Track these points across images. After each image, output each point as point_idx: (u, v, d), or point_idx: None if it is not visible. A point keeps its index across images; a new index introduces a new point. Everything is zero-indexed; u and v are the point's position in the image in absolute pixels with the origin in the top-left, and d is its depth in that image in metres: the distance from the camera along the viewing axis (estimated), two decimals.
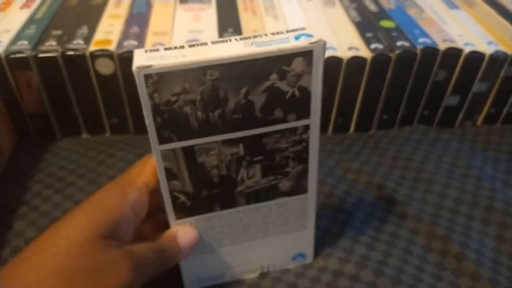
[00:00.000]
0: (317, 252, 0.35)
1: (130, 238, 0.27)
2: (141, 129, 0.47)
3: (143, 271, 0.26)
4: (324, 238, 0.36)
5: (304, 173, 0.29)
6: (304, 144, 0.28)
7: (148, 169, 0.28)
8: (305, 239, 0.33)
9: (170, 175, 0.27)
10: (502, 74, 0.47)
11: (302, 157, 0.28)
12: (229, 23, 0.48)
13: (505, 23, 0.50)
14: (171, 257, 0.29)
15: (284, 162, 0.28)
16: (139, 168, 0.28)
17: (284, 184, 0.29)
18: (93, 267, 0.24)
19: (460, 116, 0.49)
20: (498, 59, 0.45)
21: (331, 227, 0.37)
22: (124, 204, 0.27)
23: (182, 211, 0.29)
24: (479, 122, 0.51)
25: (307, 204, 0.31)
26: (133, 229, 0.27)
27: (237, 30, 0.46)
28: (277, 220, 0.31)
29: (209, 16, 0.49)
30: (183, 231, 0.29)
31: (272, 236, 0.32)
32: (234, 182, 0.28)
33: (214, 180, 0.28)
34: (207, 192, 0.28)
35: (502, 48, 0.46)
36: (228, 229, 0.30)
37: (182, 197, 0.28)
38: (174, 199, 0.28)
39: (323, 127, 0.49)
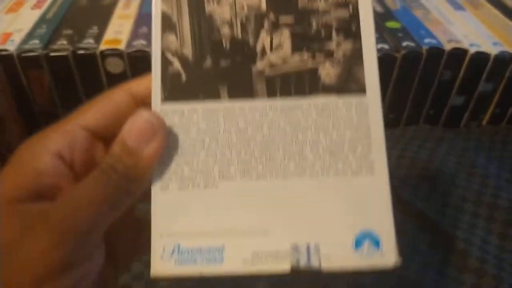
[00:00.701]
0: None
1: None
2: None
3: (81, 222, 0.18)
4: None
5: (357, 57, 0.20)
6: (351, 9, 0.20)
7: (95, 108, 0.22)
8: (376, 200, 0.20)
9: (166, 25, 0.20)
10: (507, 74, 0.47)
11: (351, 30, 0.20)
12: None
13: (510, 24, 0.51)
14: (127, 176, 0.19)
15: (325, 32, 0.20)
16: (85, 107, 0.22)
17: (328, 72, 0.20)
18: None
19: (466, 116, 0.50)
20: (503, 60, 0.46)
21: None
22: (44, 154, 0.20)
23: (174, 89, 0.20)
24: (484, 122, 0.51)
25: (369, 117, 0.20)
26: (66, 181, 0.20)
27: None
28: (320, 138, 0.20)
29: None
30: (133, 122, 0.20)
31: (312, 174, 0.20)
32: (252, 52, 0.20)
33: (224, 43, 0.20)
34: (213, 63, 0.20)
35: (507, 48, 0.46)
36: (238, 142, 0.20)
37: (177, 64, 0.21)
38: (165, 64, 0.21)
39: None
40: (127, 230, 0.23)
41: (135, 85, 0.23)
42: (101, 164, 0.19)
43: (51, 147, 0.20)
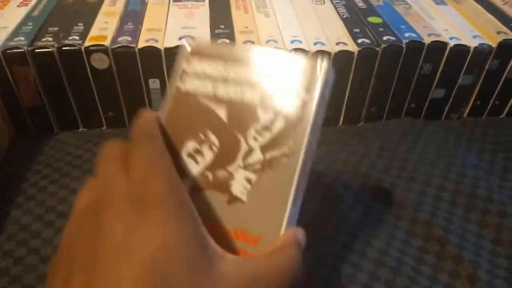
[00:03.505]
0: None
1: None
2: None
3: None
4: (313, 220, 0.37)
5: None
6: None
7: None
8: None
9: None
10: (487, 67, 0.48)
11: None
12: (221, 20, 0.49)
13: (491, 17, 0.52)
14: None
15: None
16: None
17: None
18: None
19: (446, 108, 0.51)
20: (483, 52, 0.47)
21: (318, 212, 0.38)
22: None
23: None
24: (465, 114, 0.52)
25: None
26: None
27: (229, 27, 0.47)
28: None
29: (202, 13, 0.50)
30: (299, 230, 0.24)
31: None
32: None
33: None
34: None
35: (487, 41, 0.47)
36: None
37: None
38: None
39: None
40: None
41: None
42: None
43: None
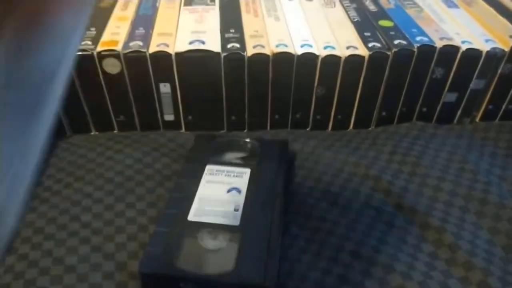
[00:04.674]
0: (313, 239, 0.36)
1: None
2: (147, 125, 0.49)
3: None
4: (320, 225, 0.37)
5: None
6: None
7: None
8: None
9: None
10: (499, 71, 0.47)
11: None
12: (231, 24, 0.49)
13: (504, 21, 0.51)
14: None
15: None
16: None
17: None
18: None
19: (458, 113, 0.50)
20: (495, 56, 0.46)
21: (326, 216, 0.38)
22: None
23: None
24: (477, 118, 0.51)
25: None
26: None
27: (239, 31, 0.48)
28: None
29: (212, 17, 0.51)
30: None
31: None
32: None
33: None
34: None
35: (499, 45, 0.46)
36: None
37: None
38: None
39: (323, 124, 0.50)
40: None
41: None
42: None
43: None
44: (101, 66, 0.44)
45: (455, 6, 0.55)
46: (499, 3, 0.55)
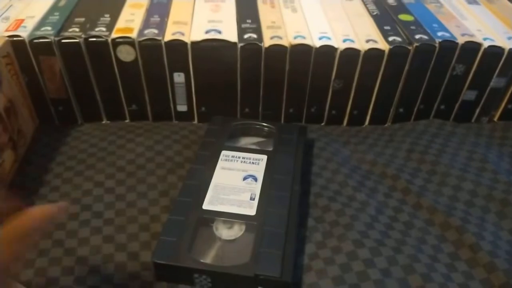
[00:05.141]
0: (331, 232, 0.35)
1: None
2: (159, 116, 0.48)
3: None
4: (339, 220, 0.36)
5: None
6: None
7: None
8: None
9: None
10: None
11: None
12: (247, 15, 0.48)
13: None
14: None
15: None
16: None
17: None
18: None
19: (477, 111, 0.49)
20: None
21: (345, 210, 0.37)
22: None
23: None
24: (496, 117, 0.50)
25: None
26: None
27: (256, 22, 0.47)
28: None
29: (228, 7, 0.50)
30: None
31: None
32: None
33: None
34: None
35: None
36: None
37: None
38: None
39: (338, 119, 0.49)
40: None
41: None
42: None
43: None
44: (115, 53, 0.43)
45: (476, 2, 0.54)
46: None
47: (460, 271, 0.33)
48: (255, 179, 0.37)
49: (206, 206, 0.35)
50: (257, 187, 0.36)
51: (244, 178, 0.37)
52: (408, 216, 0.37)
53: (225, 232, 0.34)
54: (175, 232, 0.32)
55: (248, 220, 0.34)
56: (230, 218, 0.34)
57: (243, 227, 0.34)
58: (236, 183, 0.37)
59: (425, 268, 0.33)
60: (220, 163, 0.39)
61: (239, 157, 0.39)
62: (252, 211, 0.34)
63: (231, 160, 0.39)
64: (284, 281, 0.30)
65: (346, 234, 0.35)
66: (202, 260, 0.31)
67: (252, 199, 0.35)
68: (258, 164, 0.39)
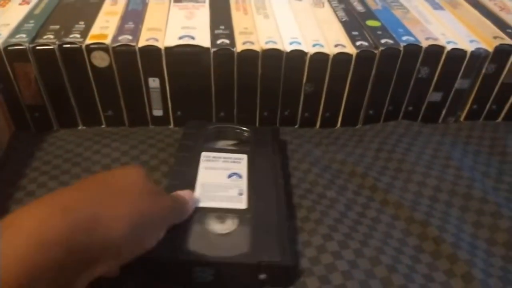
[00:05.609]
0: (302, 228, 0.36)
1: None
2: (136, 121, 0.49)
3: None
4: (309, 216, 0.37)
5: None
6: None
7: None
8: None
9: None
10: (483, 71, 0.48)
11: None
12: (221, 21, 0.49)
13: (488, 22, 0.52)
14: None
15: None
16: None
17: None
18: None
19: (444, 112, 0.51)
20: (479, 56, 0.47)
21: (316, 206, 0.38)
22: None
23: None
24: (462, 118, 0.52)
25: None
26: None
27: (228, 28, 0.48)
28: None
29: (202, 14, 0.51)
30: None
31: None
32: None
33: None
34: None
35: (483, 46, 0.47)
36: None
37: None
38: None
39: (311, 121, 0.50)
40: None
41: None
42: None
43: None
44: (89, 59, 0.44)
45: (441, 8, 0.56)
46: (483, 5, 0.57)
47: (424, 262, 0.35)
48: (240, 176, 0.38)
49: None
50: (243, 183, 0.38)
51: (229, 176, 0.38)
52: (375, 212, 0.39)
53: (219, 227, 0.34)
54: (168, 231, 0.32)
55: (241, 214, 0.35)
56: (223, 213, 0.35)
57: (236, 220, 0.34)
58: (221, 180, 0.38)
59: (390, 260, 0.34)
60: (203, 164, 0.40)
61: (220, 157, 0.41)
62: (242, 205, 0.36)
63: (213, 160, 0.40)
64: (287, 265, 0.31)
65: (316, 229, 0.36)
66: (202, 253, 0.32)
67: (240, 194, 0.37)
68: (240, 163, 0.40)
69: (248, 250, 0.32)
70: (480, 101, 0.51)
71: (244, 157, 0.41)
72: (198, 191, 0.37)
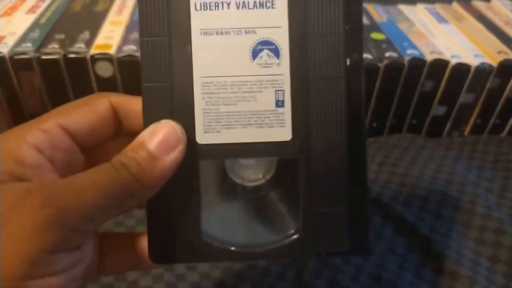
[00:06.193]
0: None
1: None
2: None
3: (75, 205, 0.17)
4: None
5: None
6: None
7: (76, 113, 0.22)
8: None
9: None
10: (488, 85, 0.48)
11: None
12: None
13: (492, 37, 0.52)
14: (139, 178, 0.18)
15: None
16: (65, 108, 0.22)
17: None
18: None
19: (448, 126, 0.51)
20: (483, 71, 0.47)
21: None
22: (23, 146, 0.19)
23: None
24: (466, 132, 0.52)
25: None
26: (49, 174, 0.20)
27: None
28: None
29: None
30: (157, 128, 0.20)
31: None
32: None
33: None
34: None
35: (488, 60, 0.47)
36: None
37: None
38: None
39: None
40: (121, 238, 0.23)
41: (114, 97, 0.24)
42: (112, 160, 0.19)
43: (31, 141, 0.20)
44: (93, 69, 0.44)
45: (446, 21, 0.56)
46: (488, 19, 0.57)
47: (426, 279, 0.34)
48: (276, 50, 0.19)
49: (201, 137, 0.20)
50: (283, 71, 0.19)
51: (255, 52, 0.19)
52: (378, 227, 0.38)
53: (248, 185, 0.20)
54: (165, 206, 0.20)
55: (280, 153, 0.19)
56: (248, 155, 0.20)
57: (272, 167, 0.20)
58: (239, 66, 0.20)
59: (392, 277, 0.34)
60: (196, 20, 0.20)
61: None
62: (284, 132, 0.19)
63: (214, 7, 0.20)
64: (360, 254, 0.20)
65: None
66: (227, 247, 0.20)
67: (279, 103, 0.19)
68: (273, 8, 0.19)
69: (298, 230, 0.20)
70: (484, 115, 0.51)
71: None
72: (199, 103, 0.20)
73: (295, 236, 0.20)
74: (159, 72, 0.21)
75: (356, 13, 0.20)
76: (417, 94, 0.48)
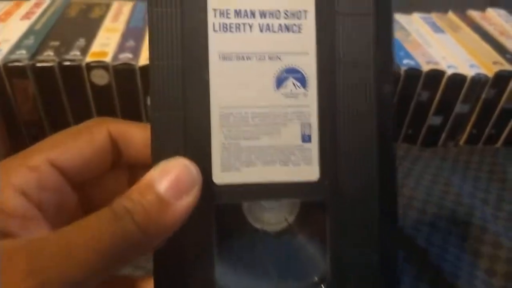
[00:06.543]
0: None
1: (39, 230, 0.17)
2: None
3: (65, 274, 0.14)
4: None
5: None
6: None
7: (69, 145, 0.19)
8: None
9: None
10: (483, 96, 0.48)
11: None
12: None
13: (488, 47, 0.53)
14: (145, 229, 0.16)
15: None
16: (55, 139, 0.19)
17: None
18: None
19: (443, 136, 0.51)
20: (479, 82, 0.47)
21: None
22: (7, 190, 0.17)
23: None
24: (461, 142, 0.52)
25: None
26: (36, 224, 0.17)
27: None
28: None
29: None
30: (169, 167, 0.17)
31: None
32: None
33: None
34: None
35: (483, 71, 0.48)
36: None
37: None
38: None
39: None
40: None
41: (113, 125, 0.20)
42: (113, 204, 0.16)
43: (16, 182, 0.17)
44: (89, 77, 0.43)
45: (442, 31, 0.56)
46: (483, 29, 0.57)
47: None
48: (302, 79, 0.18)
49: (218, 178, 0.18)
50: (310, 102, 0.18)
51: (279, 80, 0.18)
52: None
53: (271, 227, 0.18)
54: (174, 255, 0.18)
55: (306, 195, 0.18)
56: (270, 196, 0.18)
57: (295, 208, 0.18)
58: (262, 95, 0.18)
59: None
60: (214, 43, 0.18)
61: (253, 14, 0.18)
62: (311, 171, 0.18)
63: (235, 29, 0.18)
64: None
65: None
66: None
67: (305, 138, 0.18)
68: (299, 32, 0.18)
69: (328, 279, 0.18)
70: (479, 125, 0.51)
71: (310, 14, 0.18)
72: (217, 138, 0.18)
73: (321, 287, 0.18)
74: (171, 100, 0.18)
75: (386, 40, 0.18)
76: (413, 104, 0.48)
